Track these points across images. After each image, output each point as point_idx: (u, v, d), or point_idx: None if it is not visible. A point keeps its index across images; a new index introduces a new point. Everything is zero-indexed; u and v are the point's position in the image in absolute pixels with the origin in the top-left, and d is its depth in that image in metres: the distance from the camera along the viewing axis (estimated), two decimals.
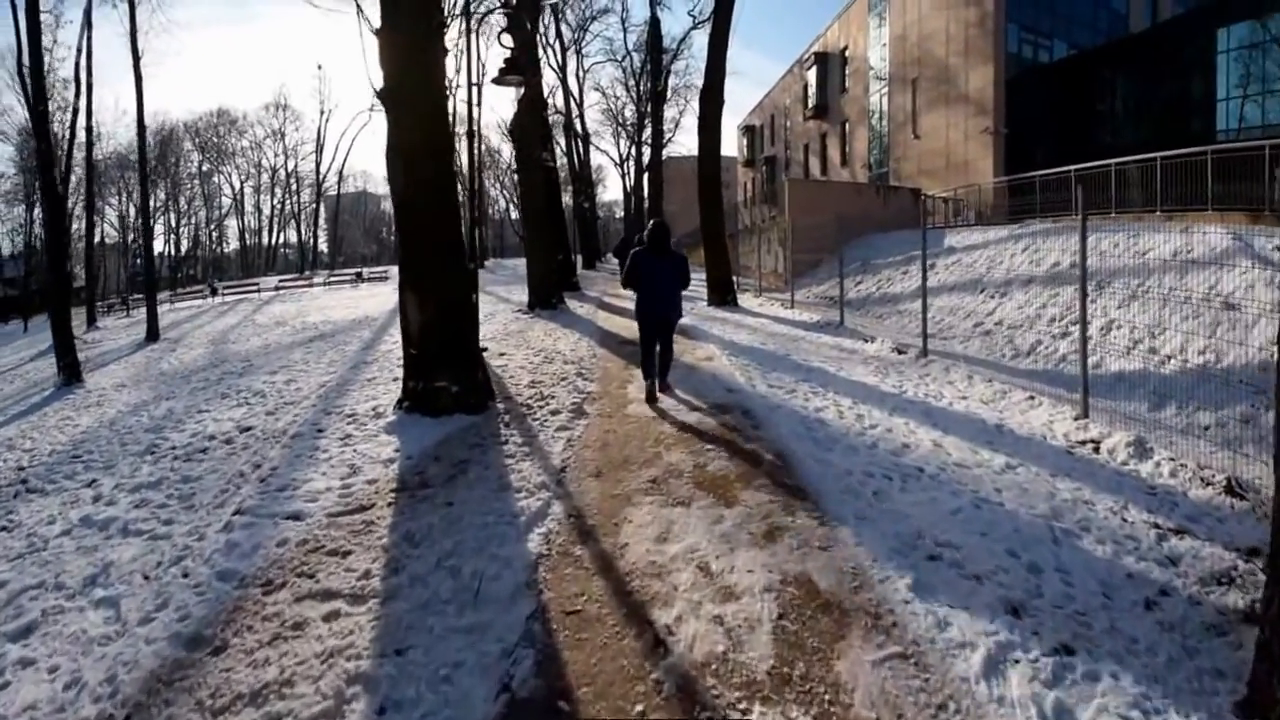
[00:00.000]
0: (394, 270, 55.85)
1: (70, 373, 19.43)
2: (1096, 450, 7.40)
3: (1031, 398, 9.59)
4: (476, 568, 4.78)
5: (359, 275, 46.39)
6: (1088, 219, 9.22)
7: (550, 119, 52.94)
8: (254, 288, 44.05)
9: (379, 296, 32.34)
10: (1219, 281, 11.13)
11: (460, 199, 10.49)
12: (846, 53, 44.06)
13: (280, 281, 43.95)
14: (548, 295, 20.78)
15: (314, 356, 16.13)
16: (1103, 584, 4.49)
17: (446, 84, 9.47)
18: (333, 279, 45.10)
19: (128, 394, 15.66)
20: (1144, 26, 34.25)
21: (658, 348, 9.50)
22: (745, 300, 22.46)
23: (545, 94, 29.12)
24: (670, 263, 9.29)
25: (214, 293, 43.85)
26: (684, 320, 16.33)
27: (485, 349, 13.55)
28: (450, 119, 9.18)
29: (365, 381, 11.70)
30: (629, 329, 14.35)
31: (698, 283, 27.81)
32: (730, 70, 21.64)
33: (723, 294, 21.06)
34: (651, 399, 9.11)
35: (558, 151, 54.22)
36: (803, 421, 8.16)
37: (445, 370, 8.72)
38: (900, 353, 13.11)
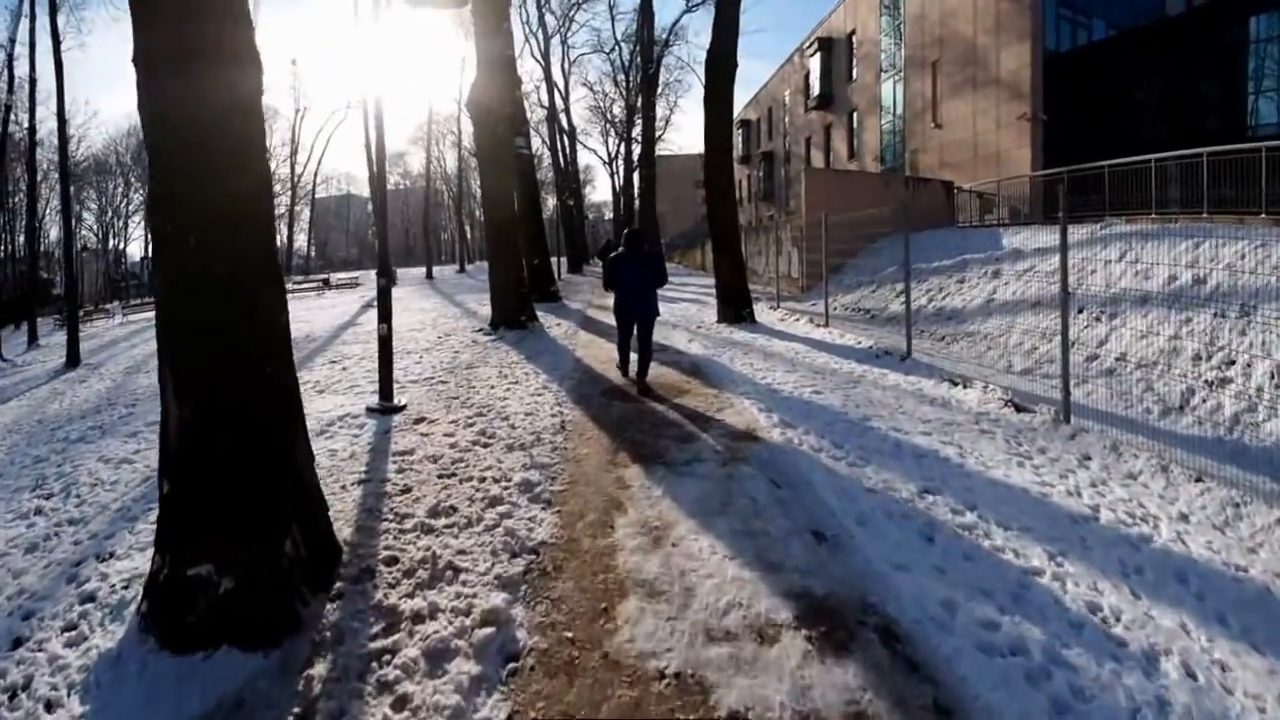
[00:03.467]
0: (365, 276, 51.53)
1: None
2: None
3: None
4: None
5: (325, 282, 41.39)
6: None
7: (530, 108, 48.32)
8: None
9: (337, 308, 27.71)
10: None
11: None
12: (855, 37, 38.88)
13: None
14: (515, 311, 15.73)
15: None
16: None
17: None
18: (295, 287, 40.07)
19: None
20: (1180, 9, 29.57)
21: (634, 340, 9.78)
22: (761, 313, 17.39)
23: (519, 63, 23.77)
24: (645, 264, 9.68)
25: None
26: (697, 350, 11.42)
27: (401, 406, 8.76)
28: (256, 39, 3.94)
29: None
30: (615, 361, 10.79)
31: (704, 292, 23.17)
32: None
33: (738, 308, 16.05)
34: (625, 373, 10.03)
35: (537, 143, 49.43)
36: (1026, 671, 3.36)
37: (218, 534, 3.78)
38: (1020, 410, 8.44)
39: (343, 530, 4.99)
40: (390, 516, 5.29)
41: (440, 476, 6.06)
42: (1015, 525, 5.13)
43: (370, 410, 8.82)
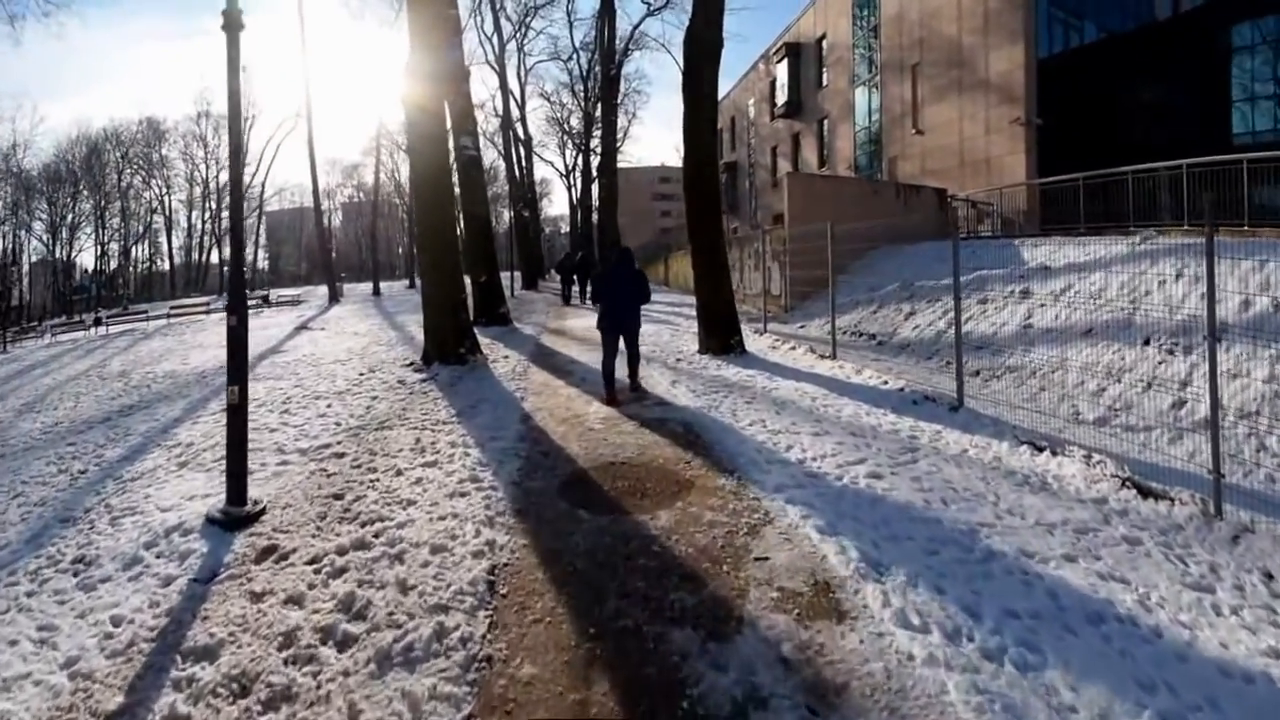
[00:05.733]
0: (311, 292, 47.67)
1: None
2: None
3: None
4: None
5: (265, 299, 37.55)
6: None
7: (485, 117, 44.90)
8: (143, 316, 35.07)
9: (269, 330, 24.37)
10: None
11: None
12: (825, 41, 36.00)
13: (171, 310, 34.70)
14: (453, 343, 12.26)
15: (55, 470, 8.86)
16: None
17: None
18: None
19: None
20: (1167, 13, 27.25)
21: (620, 349, 9.77)
22: (747, 340, 13.75)
23: (466, 53, 20.09)
24: (631, 279, 9.78)
25: (98, 323, 34.37)
26: (686, 399, 9.47)
27: (257, 512, 5.58)
28: None
29: None
30: (578, 420, 8.45)
31: (674, 312, 20.07)
32: (669, 84, 13.27)
33: (724, 337, 12.74)
34: (609, 397, 9.31)
35: (493, 155, 46.68)
36: None
37: None
38: (1144, 493, 5.68)
39: None
40: None
41: None
42: None
43: (211, 520, 5.56)
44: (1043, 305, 11.74)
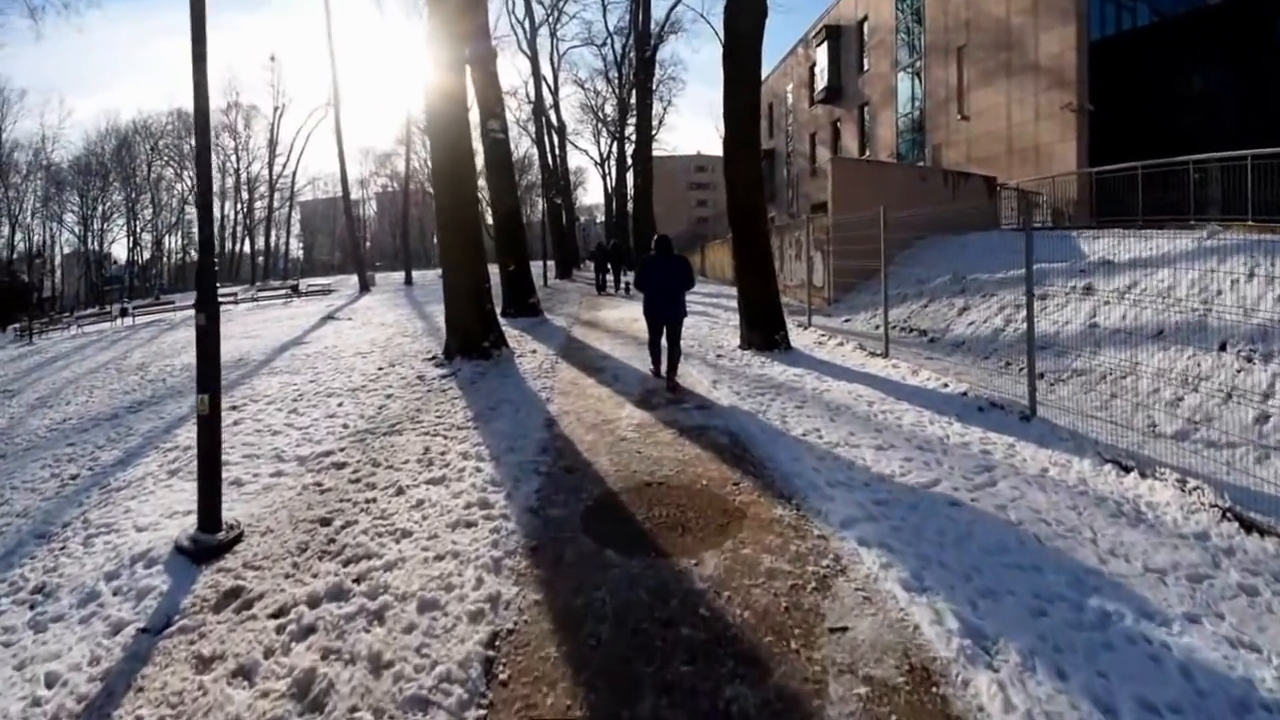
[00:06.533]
0: (342, 281, 47.11)
1: None
2: None
3: None
4: None
5: (295, 289, 36.96)
6: None
7: (518, 104, 44.10)
8: (170, 306, 34.63)
9: (296, 320, 23.47)
10: None
11: None
12: (866, 23, 34.49)
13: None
14: (477, 335, 11.42)
15: (49, 474, 8.17)
16: None
17: None
18: (261, 294, 35.62)
19: None
20: None
21: (664, 341, 9.64)
22: (791, 335, 12.59)
23: (493, 26, 19.09)
24: (674, 267, 9.63)
25: (124, 314, 33.87)
26: (728, 399, 8.52)
27: (232, 539, 4.73)
28: None
29: None
30: (609, 427, 7.47)
31: (711, 303, 19.11)
32: (704, 70, 12.03)
33: (768, 332, 11.70)
34: (656, 374, 9.84)
35: (527, 144, 46.06)
36: None
37: None
38: (1247, 527, 4.71)
39: None
40: None
41: None
42: None
43: (179, 549, 4.71)
44: (1107, 303, 10.59)
